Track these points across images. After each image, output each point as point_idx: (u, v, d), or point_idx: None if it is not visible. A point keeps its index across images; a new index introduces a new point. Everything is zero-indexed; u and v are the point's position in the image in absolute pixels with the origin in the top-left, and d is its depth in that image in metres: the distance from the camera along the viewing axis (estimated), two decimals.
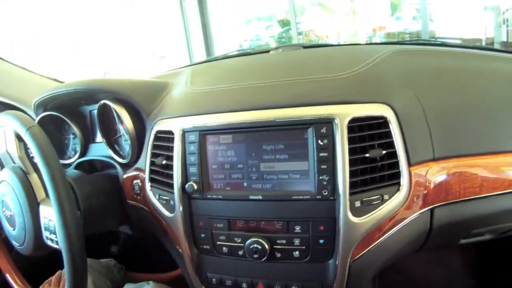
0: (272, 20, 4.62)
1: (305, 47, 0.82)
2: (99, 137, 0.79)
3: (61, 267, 0.73)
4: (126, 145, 0.73)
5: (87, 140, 0.80)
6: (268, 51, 0.85)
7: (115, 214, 0.71)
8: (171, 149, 0.56)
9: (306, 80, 0.53)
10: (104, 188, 0.70)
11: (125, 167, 0.70)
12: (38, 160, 0.52)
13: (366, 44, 1.34)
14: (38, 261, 0.78)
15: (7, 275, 0.75)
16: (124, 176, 0.68)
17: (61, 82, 1.04)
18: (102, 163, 0.78)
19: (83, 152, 0.80)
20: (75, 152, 0.82)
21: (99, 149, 0.78)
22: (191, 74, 0.72)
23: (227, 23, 4.64)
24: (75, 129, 0.79)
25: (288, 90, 0.52)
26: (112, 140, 0.74)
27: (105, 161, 0.75)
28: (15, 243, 0.62)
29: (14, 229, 0.61)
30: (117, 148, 0.74)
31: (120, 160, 0.71)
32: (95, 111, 0.76)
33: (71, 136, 0.85)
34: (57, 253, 0.55)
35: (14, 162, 0.61)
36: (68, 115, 0.79)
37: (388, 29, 3.99)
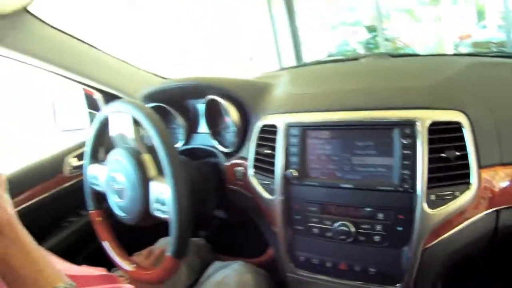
0: (359, 26, 6.04)
1: (391, 56, 1.24)
2: (201, 128, 1.27)
3: (152, 242, 1.20)
4: (228, 136, 1.18)
5: (191, 130, 1.28)
6: (357, 59, 1.28)
7: (213, 198, 1.15)
8: (274, 140, 0.97)
9: (393, 87, 0.90)
10: (206, 173, 1.15)
11: (227, 155, 1.14)
12: (156, 141, 0.93)
13: (449, 55, 1.74)
14: (132, 234, 1.25)
15: (105, 242, 1.22)
16: (227, 164, 1.11)
17: (161, 77, 1.56)
18: (203, 152, 1.24)
19: (187, 141, 1.26)
20: (177, 141, 1.29)
21: (201, 139, 1.24)
22: (290, 77, 1.15)
23: (315, 27, 6.16)
24: (180, 120, 1.28)
25: (378, 95, 0.89)
26: (216, 132, 1.19)
27: (206, 149, 1.21)
28: (120, 213, 1.08)
29: (122, 200, 1.06)
30: (220, 138, 1.18)
31: (222, 149, 1.15)
32: (199, 105, 1.24)
33: (174, 126, 1.33)
34: (151, 228, 0.99)
35: (126, 143, 1.08)
36: (174, 107, 1.28)
37: (474, 37, 5.06)
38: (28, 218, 0.84)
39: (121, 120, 1.05)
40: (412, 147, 0.80)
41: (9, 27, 1.22)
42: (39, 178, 1.39)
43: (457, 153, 0.78)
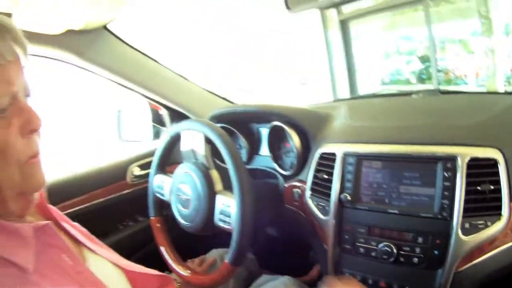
0: (413, 55, 6.83)
1: (441, 92, 1.56)
2: (262, 151, 1.58)
3: (205, 252, 1.50)
4: (288, 160, 1.48)
5: (253, 152, 1.60)
6: (409, 94, 1.61)
7: (268, 216, 1.44)
8: (331, 167, 1.27)
9: (440, 124, 1.20)
10: (264, 192, 1.45)
11: (286, 178, 1.44)
12: (227, 159, 1.24)
13: (497, 93, 2.04)
14: (185, 242, 1.55)
15: (162, 248, 1.52)
16: (286, 185, 1.41)
17: (225, 99, 1.91)
18: (263, 172, 1.55)
19: (248, 162, 1.57)
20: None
21: (262, 161, 1.56)
22: (348, 109, 1.47)
23: (369, 53, 7.00)
24: (243, 141, 1.60)
25: (426, 131, 1.19)
26: (276, 155, 1.50)
27: (266, 171, 1.51)
28: (183, 221, 1.38)
29: (187, 210, 1.36)
30: (280, 162, 1.48)
31: (282, 172, 1.45)
32: (262, 129, 1.55)
33: (237, 147, 1.64)
34: (209, 237, 1.30)
35: (196, 159, 1.39)
36: (239, 129, 1.61)
37: None
38: (89, 217, 1.14)
39: (193, 137, 1.35)
40: (452, 179, 1.07)
41: (89, 42, 1.61)
42: (104, 181, 1.75)
43: (492, 187, 1.05)
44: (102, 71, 1.65)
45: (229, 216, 1.21)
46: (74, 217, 0.97)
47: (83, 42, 1.57)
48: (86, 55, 1.58)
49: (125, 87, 1.75)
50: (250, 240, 1.19)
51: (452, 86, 5.93)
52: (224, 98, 2.02)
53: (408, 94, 1.66)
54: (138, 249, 1.78)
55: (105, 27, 1.63)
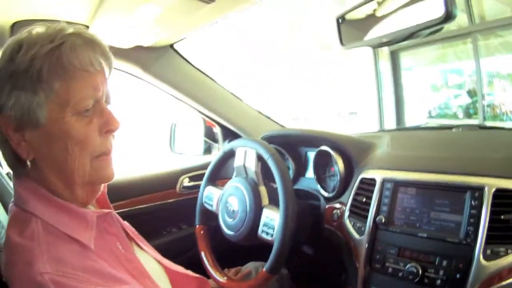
0: (461, 89, 7.39)
1: (480, 127, 1.86)
2: (308, 173, 1.87)
3: (242, 264, 1.76)
4: (331, 183, 1.76)
5: (299, 174, 1.88)
6: (450, 128, 1.87)
7: (305, 234, 1.69)
8: (370, 191, 1.53)
9: (473, 156, 1.44)
10: (308, 212, 1.70)
11: (328, 199, 1.71)
12: (277, 177, 1.54)
13: None
14: (226, 253, 1.81)
15: (203, 253, 1.78)
16: (327, 206, 1.66)
17: (276, 123, 2.21)
18: (306, 193, 1.83)
19: (294, 182, 1.85)
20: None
21: (307, 182, 1.84)
22: (391, 139, 1.75)
23: (418, 87, 7.78)
24: (291, 163, 1.89)
25: (459, 162, 1.43)
26: (320, 178, 1.76)
27: (310, 192, 1.77)
28: (227, 231, 1.67)
29: (233, 220, 1.65)
30: (323, 184, 1.75)
31: (325, 194, 1.72)
32: (310, 153, 1.83)
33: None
34: (246, 250, 1.59)
35: (246, 174, 1.66)
36: (288, 151, 1.89)
37: None
38: (136, 219, 1.40)
39: (246, 154, 1.64)
40: (479, 208, 1.28)
41: (155, 58, 1.96)
42: (155, 188, 2.08)
43: None
44: (164, 85, 2.01)
45: (272, 228, 1.48)
46: (124, 217, 1.18)
47: (150, 57, 1.92)
48: (151, 69, 1.93)
49: (184, 102, 2.10)
50: (288, 252, 1.44)
51: (497, 122, 6.34)
52: (275, 121, 2.34)
53: (449, 128, 1.91)
54: (177, 255, 2.04)
55: (171, 46, 1.97)
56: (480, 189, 1.27)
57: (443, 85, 7.68)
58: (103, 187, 1.08)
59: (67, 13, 1.55)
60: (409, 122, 7.15)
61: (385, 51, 7.42)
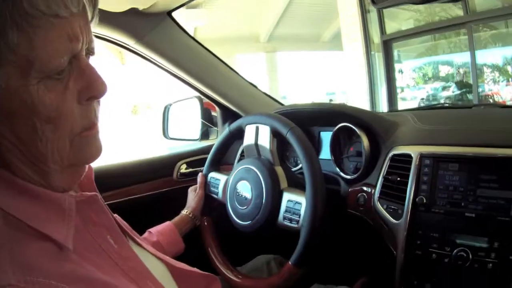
0: (449, 81, 8.15)
1: (501, 106, 1.81)
2: (323, 155, 1.69)
3: (249, 258, 1.61)
4: (351, 164, 1.60)
5: None
6: (470, 107, 1.80)
7: (329, 222, 1.54)
8: (405, 169, 1.37)
9: (509, 129, 1.33)
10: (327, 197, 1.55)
11: (349, 182, 1.55)
12: (300, 153, 1.36)
13: None
14: (233, 247, 1.65)
15: (209, 250, 1.62)
16: (350, 189, 1.51)
17: (280, 103, 2.04)
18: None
19: None
20: (296, 164, 1.72)
21: (322, 165, 1.65)
22: (415, 116, 1.60)
23: (408, 77, 8.66)
24: None
25: (501, 135, 1.31)
26: (338, 160, 1.61)
27: (327, 175, 1.61)
28: (239, 221, 1.48)
29: (246, 208, 1.46)
30: (342, 166, 1.60)
31: (346, 176, 1.56)
32: (323, 133, 1.68)
33: (292, 149, 1.76)
34: (255, 243, 1.45)
35: (259, 154, 1.49)
36: None
37: None
38: (130, 210, 1.24)
39: (259, 131, 1.46)
40: None
41: (150, 26, 1.71)
42: (149, 176, 1.89)
43: None
44: (158, 58, 1.78)
45: (297, 214, 1.31)
46: (114, 209, 0.96)
47: (144, 25, 1.68)
48: (145, 39, 1.69)
49: (180, 78, 1.88)
50: (318, 238, 1.28)
51: None
52: (278, 102, 2.15)
53: (468, 107, 1.85)
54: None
55: (168, 13, 1.75)
56: None
57: (433, 76, 8.21)
58: (87, 168, 0.84)
59: None
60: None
61: (376, 42, 7.94)
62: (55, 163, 0.68)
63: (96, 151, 0.75)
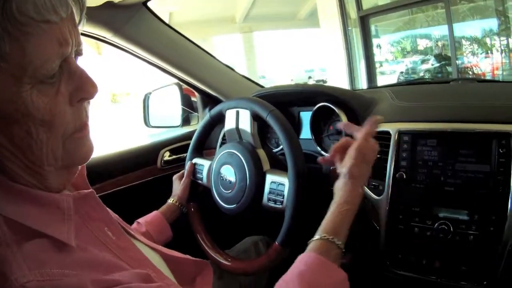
0: (428, 55, 8.38)
1: (478, 81, 1.83)
2: (303, 134, 1.73)
3: (236, 240, 1.64)
4: (331, 143, 1.63)
5: None
6: (448, 82, 1.83)
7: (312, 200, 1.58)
8: (385, 146, 1.41)
9: (490, 105, 1.37)
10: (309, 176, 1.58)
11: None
12: (281, 134, 1.36)
13: None
14: (220, 231, 1.68)
15: (198, 235, 1.63)
16: (331, 168, 1.55)
17: (260, 86, 2.05)
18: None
19: None
20: (278, 145, 1.75)
21: (303, 144, 1.68)
22: (392, 93, 1.63)
23: (386, 51, 8.92)
24: None
25: (478, 110, 1.35)
26: (319, 138, 1.64)
27: (308, 154, 1.65)
28: (225, 205, 1.48)
29: (230, 192, 1.47)
30: (322, 145, 1.63)
31: (326, 154, 1.58)
32: (303, 113, 1.72)
33: (273, 130, 1.78)
34: (241, 225, 1.49)
35: (240, 138, 1.51)
36: None
37: None
38: (117, 202, 1.26)
39: (239, 115, 1.47)
40: (507, 155, 1.21)
41: (126, 18, 1.69)
42: (133, 166, 1.89)
43: None
44: (136, 48, 1.77)
45: (281, 195, 1.32)
46: (102, 202, 0.95)
47: (121, 17, 1.67)
48: (122, 31, 1.68)
49: (158, 66, 1.88)
50: (299, 218, 1.29)
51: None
52: (258, 84, 2.16)
53: (445, 82, 1.88)
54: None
55: (143, 3, 1.74)
56: (507, 136, 1.22)
57: (411, 50, 8.43)
58: (80, 167, 0.89)
59: None
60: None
61: (353, 17, 8.02)
62: (50, 165, 0.71)
63: (88, 152, 0.79)
